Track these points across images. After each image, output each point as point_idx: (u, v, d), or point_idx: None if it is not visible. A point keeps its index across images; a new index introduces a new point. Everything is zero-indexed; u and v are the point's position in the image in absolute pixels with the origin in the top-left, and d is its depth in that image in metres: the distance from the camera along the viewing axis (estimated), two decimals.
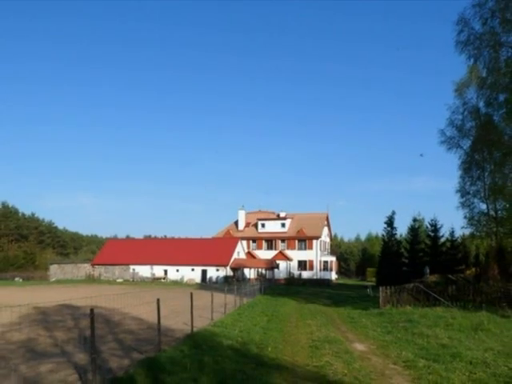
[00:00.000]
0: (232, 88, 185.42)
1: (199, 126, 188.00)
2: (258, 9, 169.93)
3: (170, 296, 30.93)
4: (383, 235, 66.82)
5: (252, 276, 64.77)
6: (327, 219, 75.99)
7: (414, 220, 63.97)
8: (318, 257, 69.42)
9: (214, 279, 62.43)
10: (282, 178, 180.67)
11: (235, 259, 64.80)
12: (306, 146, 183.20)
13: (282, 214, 74.67)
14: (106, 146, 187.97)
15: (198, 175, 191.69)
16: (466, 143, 38.72)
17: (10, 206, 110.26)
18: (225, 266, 62.77)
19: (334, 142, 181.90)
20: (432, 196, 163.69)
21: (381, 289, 27.88)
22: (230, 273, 62.57)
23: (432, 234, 59.41)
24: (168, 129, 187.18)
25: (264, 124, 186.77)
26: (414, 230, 62.52)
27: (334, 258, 73.61)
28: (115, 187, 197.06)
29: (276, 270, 68.56)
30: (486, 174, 37.32)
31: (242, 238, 71.16)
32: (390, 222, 64.28)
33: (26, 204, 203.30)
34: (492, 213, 36.78)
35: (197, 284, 58.52)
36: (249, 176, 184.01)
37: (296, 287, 56.55)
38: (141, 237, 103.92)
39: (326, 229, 74.97)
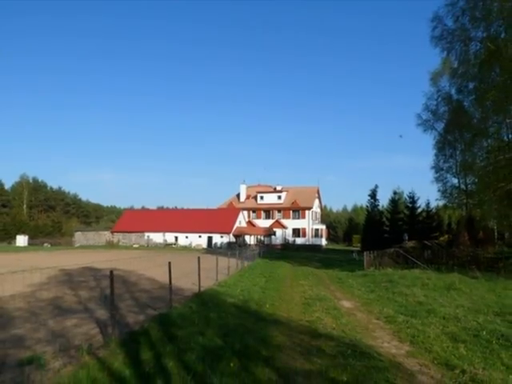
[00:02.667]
0: (235, 77, 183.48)
1: (206, 111, 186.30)
2: (258, 8, 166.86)
3: (180, 259, 31.04)
4: (367, 206, 66.83)
5: (252, 242, 64.97)
6: (318, 192, 75.86)
7: (394, 193, 63.96)
8: (310, 225, 69.54)
9: (218, 245, 62.56)
10: (279, 156, 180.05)
11: (237, 227, 64.87)
12: (301, 128, 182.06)
13: (279, 188, 74.47)
14: (124, 129, 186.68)
15: (205, 153, 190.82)
16: (440, 126, 38.81)
17: (40, 180, 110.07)
18: (228, 233, 62.85)
19: (326, 124, 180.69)
20: (410, 172, 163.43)
21: (365, 253, 27.96)
22: (232, 239, 62.67)
23: (410, 205, 59.32)
24: (179, 113, 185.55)
25: (264, 108, 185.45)
26: (394, 202, 62.53)
27: (324, 226, 73.81)
28: (132, 164, 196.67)
29: (273, 236, 68.78)
30: (458, 152, 37.38)
31: (243, 209, 71.14)
32: (373, 195, 64.25)
33: (54, 178, 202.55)
34: (463, 186, 36.79)
35: (203, 249, 58.73)
36: (250, 154, 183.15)
37: (291, 252, 56.74)
38: (154, 207, 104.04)
39: (316, 200, 74.86)
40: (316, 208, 74.03)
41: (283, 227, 69.19)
